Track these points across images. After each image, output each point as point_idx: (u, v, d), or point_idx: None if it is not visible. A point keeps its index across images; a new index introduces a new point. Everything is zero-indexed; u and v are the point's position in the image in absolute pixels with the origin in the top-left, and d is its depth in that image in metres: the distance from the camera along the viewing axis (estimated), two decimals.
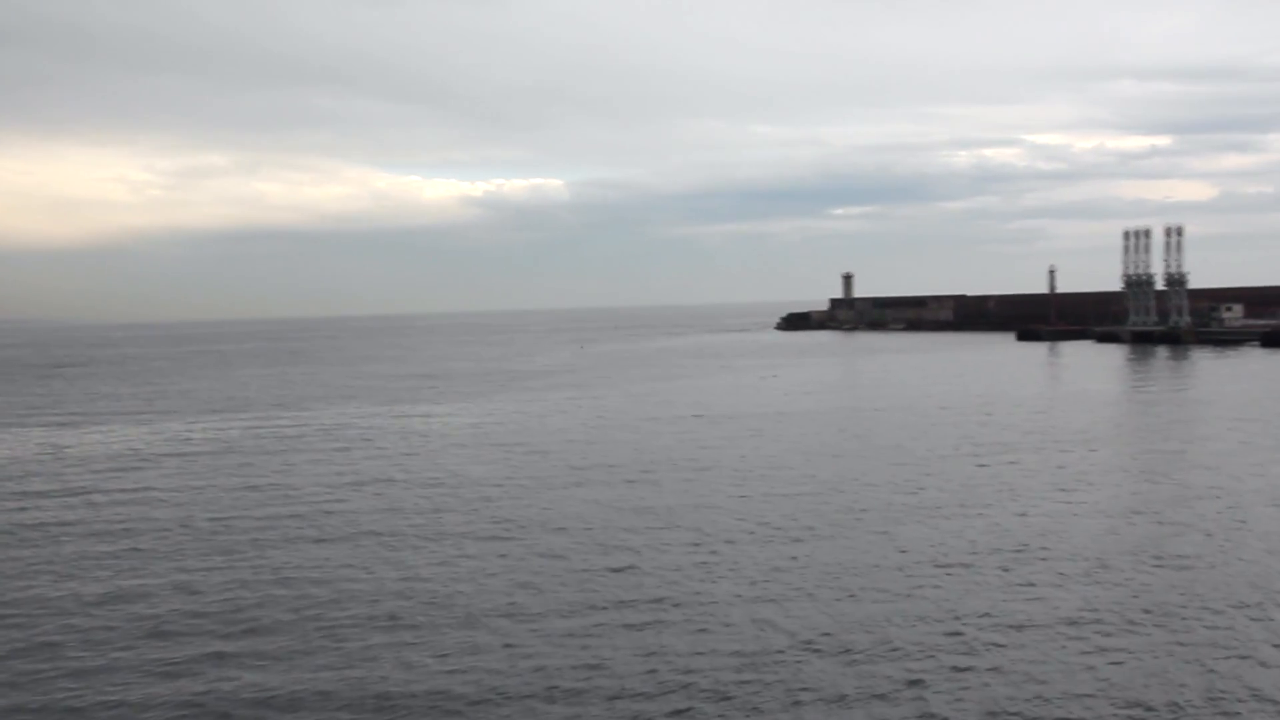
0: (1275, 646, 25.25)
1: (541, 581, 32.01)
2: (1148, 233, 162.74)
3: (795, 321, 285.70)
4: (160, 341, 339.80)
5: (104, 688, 24.33)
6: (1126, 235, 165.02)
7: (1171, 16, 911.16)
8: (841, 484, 47.04)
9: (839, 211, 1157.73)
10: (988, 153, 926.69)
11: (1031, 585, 30.46)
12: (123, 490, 50.27)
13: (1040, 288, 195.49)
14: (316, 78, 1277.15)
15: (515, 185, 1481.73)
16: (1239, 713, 21.74)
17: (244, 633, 27.94)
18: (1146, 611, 27.90)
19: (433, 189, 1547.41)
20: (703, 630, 27.17)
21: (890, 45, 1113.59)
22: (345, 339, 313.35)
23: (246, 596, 31.19)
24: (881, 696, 22.81)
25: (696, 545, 36.08)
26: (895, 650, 25.38)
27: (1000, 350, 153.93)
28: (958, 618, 27.58)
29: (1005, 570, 32.10)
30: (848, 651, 25.40)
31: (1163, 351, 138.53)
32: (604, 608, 29.24)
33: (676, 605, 29.28)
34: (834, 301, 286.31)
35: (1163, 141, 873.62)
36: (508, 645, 26.44)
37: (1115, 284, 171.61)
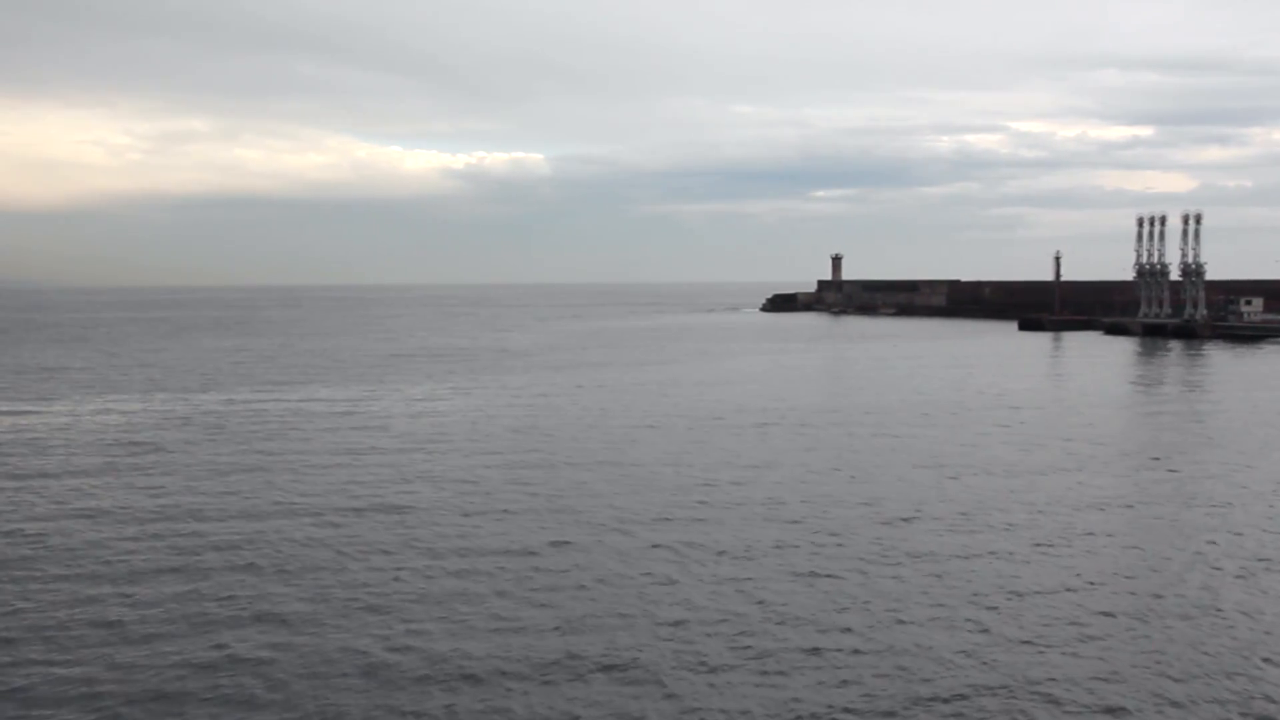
0: None
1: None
2: (1163, 219, 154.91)
3: (781, 303, 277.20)
4: (137, 306, 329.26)
5: None
6: (1140, 221, 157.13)
7: (1156, 6, 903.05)
8: (859, 505, 39.10)
9: (819, 193, 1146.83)
10: (970, 138, 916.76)
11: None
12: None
13: (1026, 275, 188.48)
14: (299, 44, 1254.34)
15: (496, 158, 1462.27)
16: None
17: None
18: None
19: (413, 160, 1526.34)
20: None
21: (874, 27, 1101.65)
22: (321, 309, 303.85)
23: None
24: None
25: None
26: None
27: (1004, 340, 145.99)
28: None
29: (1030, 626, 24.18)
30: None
31: (1179, 346, 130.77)
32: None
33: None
34: (821, 283, 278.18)
35: (1144, 132, 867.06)
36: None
37: (1101, 273, 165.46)
